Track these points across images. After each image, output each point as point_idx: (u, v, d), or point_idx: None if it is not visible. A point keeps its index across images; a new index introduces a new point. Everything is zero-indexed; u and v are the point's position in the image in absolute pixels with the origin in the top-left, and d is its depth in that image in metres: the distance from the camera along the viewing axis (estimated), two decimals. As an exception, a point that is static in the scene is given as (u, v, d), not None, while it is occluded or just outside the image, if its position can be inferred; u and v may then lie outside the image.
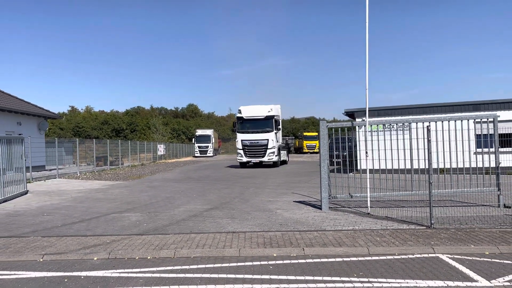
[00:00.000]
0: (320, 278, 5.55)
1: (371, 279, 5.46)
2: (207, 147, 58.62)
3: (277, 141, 28.94)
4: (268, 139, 27.88)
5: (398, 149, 10.19)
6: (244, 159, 28.46)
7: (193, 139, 62.05)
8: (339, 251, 6.78)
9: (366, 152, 9.77)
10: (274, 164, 28.84)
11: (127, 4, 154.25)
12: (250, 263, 6.26)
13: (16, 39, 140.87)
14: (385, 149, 10.25)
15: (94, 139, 30.93)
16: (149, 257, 6.70)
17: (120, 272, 5.94)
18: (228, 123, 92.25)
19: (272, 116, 28.16)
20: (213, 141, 61.16)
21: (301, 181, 18.62)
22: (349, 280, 5.45)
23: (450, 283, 5.25)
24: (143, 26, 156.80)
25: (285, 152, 34.57)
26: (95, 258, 6.68)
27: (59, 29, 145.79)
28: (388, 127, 11.82)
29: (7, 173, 13.45)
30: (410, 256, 6.53)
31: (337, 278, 5.52)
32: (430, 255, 6.58)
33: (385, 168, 10.54)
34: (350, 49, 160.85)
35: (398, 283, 5.31)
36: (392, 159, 10.25)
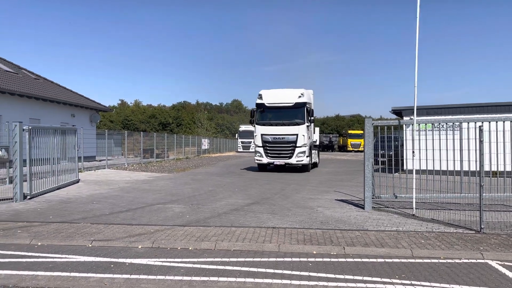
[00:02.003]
0: (360, 278, 5.46)
1: (413, 282, 5.30)
2: (250, 142, 58.90)
3: (309, 138, 21.97)
4: (297, 134, 20.91)
5: (447, 150, 9.81)
6: (265, 159, 21.70)
7: (237, 134, 62.60)
8: (381, 252, 6.64)
9: (413, 152, 9.48)
10: (303, 168, 21.98)
11: (175, 2, 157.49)
12: (290, 259, 6.26)
13: (73, 36, 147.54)
14: (433, 149, 9.91)
15: (141, 132, 31.94)
16: (190, 248, 6.84)
17: (162, 261, 6.11)
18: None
19: (304, 104, 21.19)
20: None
21: (344, 179, 18.34)
22: (390, 281, 5.32)
23: (499, 291, 5.01)
24: (191, 23, 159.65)
25: (316, 151, 26.62)
26: (140, 247, 6.91)
27: (111, 26, 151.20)
28: (438, 126, 11.41)
29: (61, 163, 14.14)
30: (457, 260, 6.29)
31: (378, 279, 5.41)
32: (479, 260, 6.30)
33: (432, 168, 10.18)
34: (399, 46, 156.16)
35: (443, 287, 5.12)
36: (440, 160, 9.88)
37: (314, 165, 25.44)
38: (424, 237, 7.42)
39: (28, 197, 11.35)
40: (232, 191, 13.81)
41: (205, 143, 49.07)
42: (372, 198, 10.26)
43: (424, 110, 19.99)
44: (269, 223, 8.59)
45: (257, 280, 5.35)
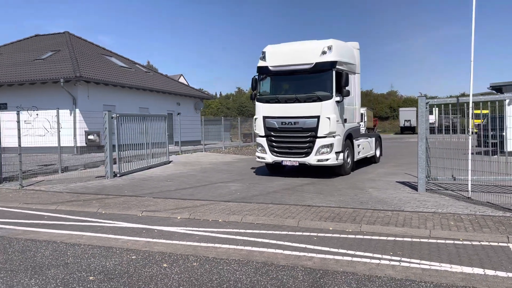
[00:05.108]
0: (352, 252, 5.63)
1: (403, 259, 5.32)
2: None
3: (343, 121, 13.08)
4: (319, 116, 12.38)
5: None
6: (269, 157, 13.15)
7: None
8: (397, 231, 6.61)
9: (470, 130, 8.89)
10: (335, 170, 13.02)
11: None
12: (300, 233, 6.62)
13: (192, 33, 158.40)
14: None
15: (239, 118, 33.69)
16: (220, 220, 7.59)
17: (187, 230, 6.97)
18: (387, 100, 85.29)
19: (331, 64, 12.39)
20: (366, 120, 59.68)
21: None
22: (379, 257, 5.41)
23: (491, 272, 4.79)
24: (306, 2, 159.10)
25: (373, 141, 16.51)
26: (178, 217, 7.87)
27: (229, 22, 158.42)
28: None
29: (152, 146, 15.99)
30: (475, 243, 6.00)
31: (369, 254, 5.52)
32: (500, 244, 5.93)
33: (498, 149, 9.39)
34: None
35: (430, 265, 5.06)
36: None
37: (370, 160, 16.49)
38: (458, 219, 7.10)
39: (118, 175, 13.27)
40: (298, 171, 14.17)
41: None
42: (427, 180, 9.86)
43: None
44: (308, 201, 8.91)
45: (254, 248, 5.88)
